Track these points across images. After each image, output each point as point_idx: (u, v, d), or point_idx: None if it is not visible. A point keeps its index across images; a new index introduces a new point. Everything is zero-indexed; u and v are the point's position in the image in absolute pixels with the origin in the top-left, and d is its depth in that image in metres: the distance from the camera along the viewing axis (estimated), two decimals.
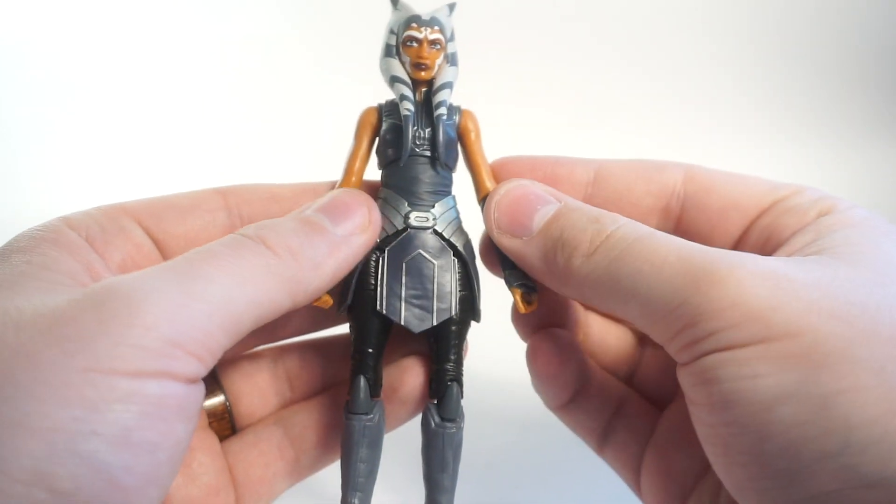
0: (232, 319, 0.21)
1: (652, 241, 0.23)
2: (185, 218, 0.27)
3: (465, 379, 0.29)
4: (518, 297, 0.28)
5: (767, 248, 0.26)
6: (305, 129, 0.76)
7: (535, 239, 0.26)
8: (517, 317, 0.31)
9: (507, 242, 0.27)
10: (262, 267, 0.22)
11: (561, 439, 0.34)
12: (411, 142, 0.27)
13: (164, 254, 0.26)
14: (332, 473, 0.29)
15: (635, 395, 0.32)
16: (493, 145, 0.31)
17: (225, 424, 0.29)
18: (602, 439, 0.31)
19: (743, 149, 0.79)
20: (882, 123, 0.81)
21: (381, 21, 0.29)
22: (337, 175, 0.29)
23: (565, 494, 0.43)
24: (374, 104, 0.29)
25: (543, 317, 0.31)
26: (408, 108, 0.27)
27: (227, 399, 0.30)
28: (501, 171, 0.30)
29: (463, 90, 0.30)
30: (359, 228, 0.26)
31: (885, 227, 0.24)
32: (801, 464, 0.19)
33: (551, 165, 0.30)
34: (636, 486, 0.30)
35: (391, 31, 0.28)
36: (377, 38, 0.29)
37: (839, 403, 0.19)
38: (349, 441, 0.27)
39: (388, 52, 0.28)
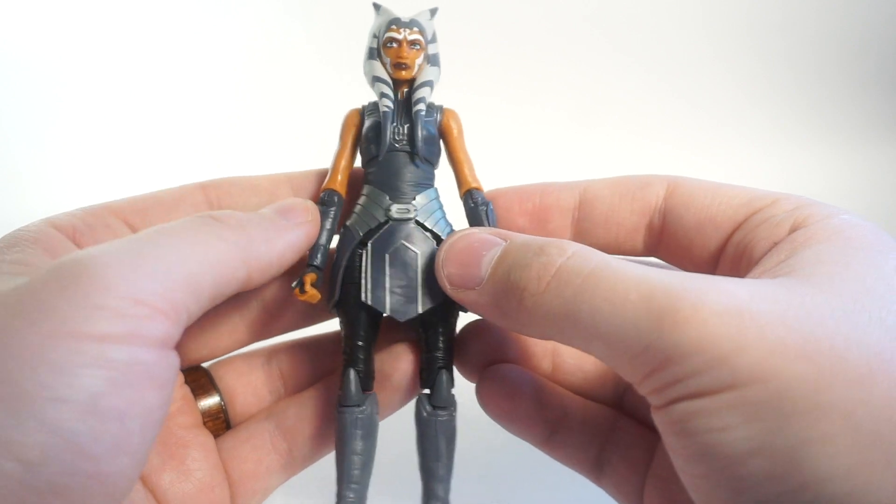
0: (190, 277, 0.21)
1: (608, 275, 0.21)
2: (170, 214, 0.27)
3: (466, 380, 0.29)
4: None
5: (741, 264, 0.25)
6: (301, 125, 0.76)
7: (486, 286, 0.25)
8: (459, 359, 0.30)
9: (462, 297, 0.26)
10: (213, 234, 0.23)
11: None
12: (390, 137, 0.28)
13: None
14: (328, 470, 0.29)
15: (628, 420, 0.30)
16: (496, 145, 0.31)
17: (220, 423, 0.30)
18: (597, 471, 0.30)
19: (743, 149, 0.79)
20: (882, 123, 0.81)
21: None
22: (323, 165, 0.30)
23: (564, 494, 0.43)
24: (359, 106, 0.30)
25: (489, 353, 0.30)
26: (386, 104, 0.28)
27: (222, 399, 0.30)
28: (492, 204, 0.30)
29: (465, 90, 0.30)
30: (301, 218, 0.27)
31: (865, 238, 0.23)
32: None
33: (539, 195, 0.30)
34: None
35: (374, 35, 0.30)
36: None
37: (809, 455, 0.18)
38: (342, 434, 0.27)
39: (371, 54, 0.30)
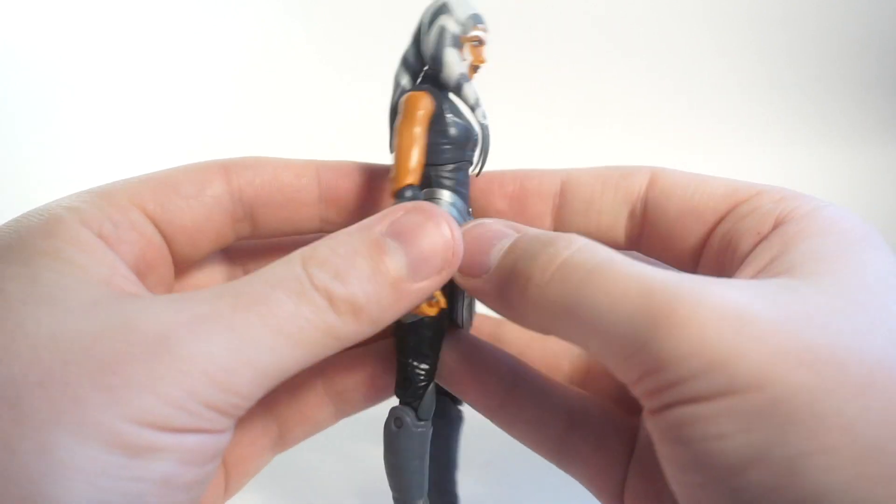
0: (275, 381, 0.21)
1: (611, 270, 0.20)
2: (193, 208, 0.26)
3: None
4: None
5: (726, 258, 0.25)
6: (301, 125, 0.76)
7: (492, 274, 0.24)
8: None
9: (468, 284, 0.25)
10: (320, 331, 0.21)
11: None
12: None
13: (171, 246, 0.26)
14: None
15: (600, 401, 0.29)
16: (506, 150, 0.30)
17: None
18: (563, 456, 0.28)
19: (743, 148, 0.79)
20: (882, 123, 0.81)
21: (397, 34, 0.29)
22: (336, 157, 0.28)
23: (565, 494, 0.43)
24: (425, 90, 0.26)
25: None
26: (486, 114, 0.26)
27: None
28: (472, 189, 0.29)
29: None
30: (435, 271, 0.23)
31: (856, 231, 0.22)
32: None
33: (520, 179, 0.29)
34: None
35: (458, 23, 0.26)
36: (392, 50, 0.28)
37: (808, 468, 0.17)
38: (417, 449, 0.27)
39: (455, 42, 0.26)
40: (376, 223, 0.23)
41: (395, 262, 0.22)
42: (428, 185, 0.26)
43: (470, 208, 0.28)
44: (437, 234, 0.23)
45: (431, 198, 0.26)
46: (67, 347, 0.18)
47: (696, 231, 0.26)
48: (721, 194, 0.26)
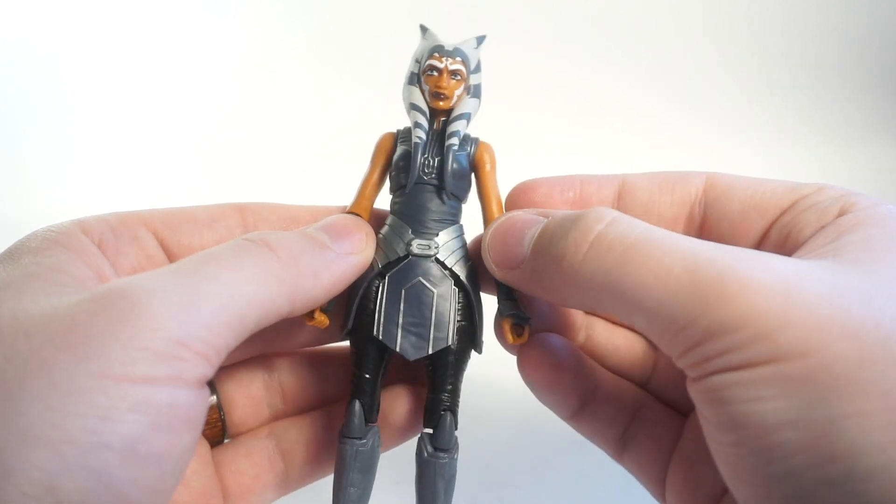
0: (236, 318, 0.21)
1: (652, 246, 0.21)
2: (202, 231, 0.27)
3: (466, 378, 0.29)
4: (507, 328, 0.28)
5: (787, 246, 0.25)
6: (300, 125, 0.76)
7: (527, 262, 0.25)
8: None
9: (508, 277, 0.26)
10: (264, 268, 0.22)
11: (560, 438, 0.34)
12: (419, 170, 0.28)
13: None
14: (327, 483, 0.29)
15: (654, 399, 0.31)
16: (506, 152, 0.30)
17: (217, 432, 0.29)
18: (620, 447, 0.30)
19: (744, 149, 0.79)
20: (882, 123, 0.81)
21: (397, 34, 0.29)
22: (345, 187, 0.30)
23: (565, 494, 0.43)
24: (393, 130, 0.29)
25: (534, 323, 0.30)
26: (419, 135, 0.28)
27: (220, 407, 0.30)
28: (527, 193, 0.29)
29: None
30: (356, 249, 0.26)
31: None
32: (805, 490, 0.19)
33: (579, 184, 0.29)
34: (661, 497, 0.29)
35: (416, 60, 0.29)
36: (392, 49, 0.29)
37: (845, 428, 0.18)
38: (341, 464, 0.27)
39: (411, 80, 0.29)
40: (307, 226, 0.26)
41: (317, 233, 0.26)
42: None
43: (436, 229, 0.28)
44: (351, 220, 0.27)
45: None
46: (29, 321, 0.19)
47: (758, 226, 0.27)
48: (783, 191, 0.26)
